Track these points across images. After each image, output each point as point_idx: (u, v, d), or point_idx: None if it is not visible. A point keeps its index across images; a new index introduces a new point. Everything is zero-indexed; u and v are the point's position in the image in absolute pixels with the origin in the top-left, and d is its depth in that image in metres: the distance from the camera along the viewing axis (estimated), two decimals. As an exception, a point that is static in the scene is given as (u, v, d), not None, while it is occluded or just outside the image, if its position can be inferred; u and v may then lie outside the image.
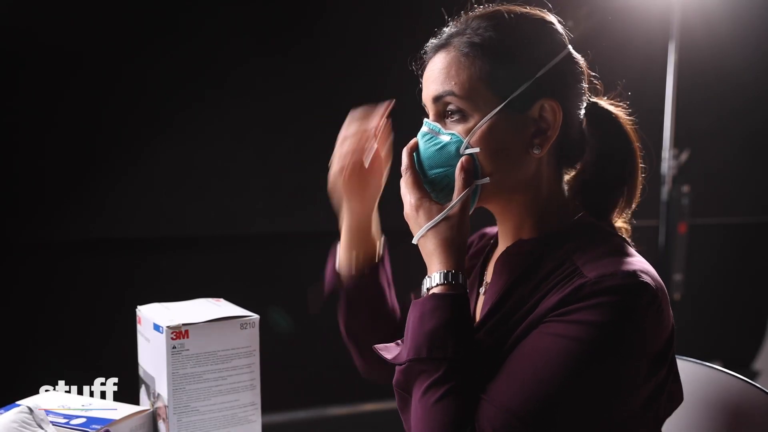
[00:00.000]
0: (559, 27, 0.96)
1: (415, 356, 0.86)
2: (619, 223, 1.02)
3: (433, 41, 0.97)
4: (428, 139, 0.95)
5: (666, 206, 2.86)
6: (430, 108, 0.96)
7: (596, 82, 1.01)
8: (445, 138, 0.93)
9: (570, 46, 0.96)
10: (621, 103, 1.02)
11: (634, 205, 1.01)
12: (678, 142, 2.83)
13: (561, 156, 0.97)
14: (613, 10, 2.78)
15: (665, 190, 2.85)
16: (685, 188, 2.86)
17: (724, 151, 3.20)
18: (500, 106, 0.90)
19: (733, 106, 3.16)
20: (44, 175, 2.40)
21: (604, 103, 1.01)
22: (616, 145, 0.99)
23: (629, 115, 1.01)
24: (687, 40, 2.79)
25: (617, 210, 1.01)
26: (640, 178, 1.00)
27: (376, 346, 0.97)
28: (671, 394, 0.92)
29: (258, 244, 2.71)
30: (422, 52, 0.99)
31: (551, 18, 0.97)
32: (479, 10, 0.97)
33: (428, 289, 0.90)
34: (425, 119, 0.97)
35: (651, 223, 2.95)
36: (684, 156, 2.85)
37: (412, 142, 0.97)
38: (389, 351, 0.96)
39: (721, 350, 3.32)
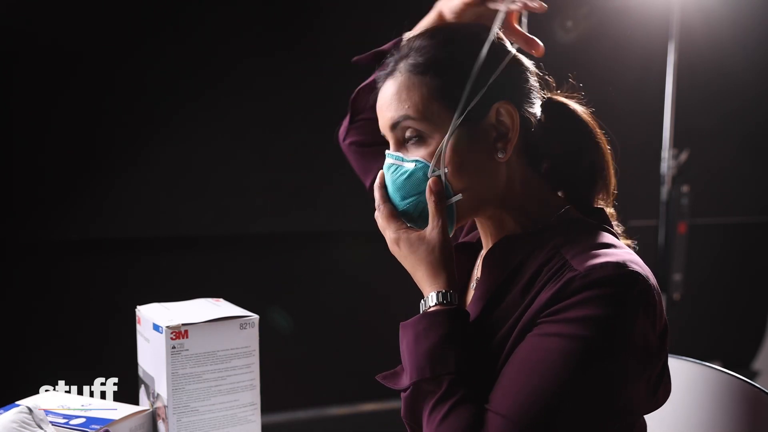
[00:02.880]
0: (498, 33, 0.94)
1: (419, 377, 0.86)
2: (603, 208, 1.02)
3: (380, 72, 0.96)
4: (394, 170, 0.94)
5: (665, 206, 2.86)
6: (389, 137, 0.95)
7: (549, 78, 1.01)
8: (409, 165, 0.92)
9: (513, 49, 0.95)
10: (575, 95, 1.02)
11: (612, 189, 1.01)
12: (677, 142, 2.83)
13: (528, 154, 0.96)
14: (613, 10, 2.78)
15: (665, 190, 2.85)
16: (685, 188, 2.86)
17: (724, 151, 3.20)
18: (458, 122, 0.89)
19: (733, 106, 3.16)
20: (43, 174, 2.40)
21: (559, 97, 1.01)
22: (578, 135, 0.99)
23: (585, 107, 1.01)
24: (686, 40, 2.79)
25: (598, 197, 1.01)
26: (610, 163, 1.00)
27: (378, 376, 0.96)
28: (666, 387, 0.92)
29: (258, 244, 2.71)
30: (373, 85, 0.98)
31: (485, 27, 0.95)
32: (417, 32, 0.97)
33: (422, 312, 0.90)
34: (386, 151, 0.96)
35: (650, 223, 2.95)
36: (683, 156, 2.84)
37: (379, 176, 0.96)
38: (391, 379, 0.94)
39: (721, 350, 3.32)
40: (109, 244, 2.51)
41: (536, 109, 0.96)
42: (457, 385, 0.84)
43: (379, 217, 0.95)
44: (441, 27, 0.95)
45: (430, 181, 0.91)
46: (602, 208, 1.00)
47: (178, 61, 2.47)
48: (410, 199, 0.93)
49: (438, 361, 0.85)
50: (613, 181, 1.01)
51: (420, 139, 0.91)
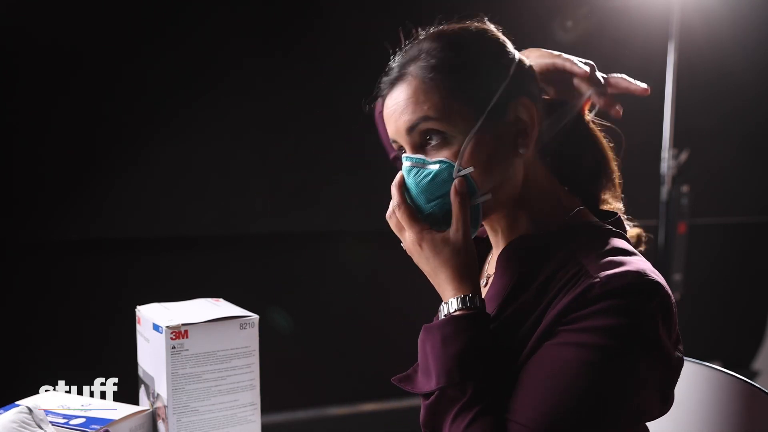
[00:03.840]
0: (499, 34, 0.96)
1: (447, 382, 0.84)
2: (613, 203, 1.02)
3: (384, 79, 0.94)
4: (416, 173, 0.91)
5: (665, 206, 2.86)
6: (404, 141, 0.92)
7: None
8: (433, 167, 0.90)
9: (515, 51, 0.95)
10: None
11: (617, 181, 1.01)
12: (677, 142, 2.83)
13: (541, 151, 0.96)
14: (613, 10, 2.78)
15: (665, 190, 2.85)
16: (685, 188, 2.86)
17: (724, 151, 3.20)
18: (482, 119, 0.89)
19: (733, 106, 3.16)
20: (43, 174, 2.40)
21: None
22: (577, 132, 0.99)
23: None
24: (686, 40, 2.79)
25: (605, 192, 1.01)
26: (610, 155, 1.00)
27: (393, 379, 0.94)
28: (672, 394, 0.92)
29: (258, 244, 2.71)
30: (375, 91, 0.96)
31: (489, 26, 0.96)
32: (422, 35, 0.95)
33: (446, 315, 0.88)
34: (404, 155, 0.93)
35: (650, 223, 2.95)
36: (683, 156, 2.85)
37: (399, 177, 0.93)
38: (408, 382, 0.92)
39: (721, 350, 3.32)
40: (110, 244, 2.51)
41: (545, 104, 0.96)
42: (481, 393, 0.83)
43: (399, 216, 0.92)
44: (443, 30, 0.94)
45: (455, 182, 0.89)
46: (615, 212, 1.00)
47: (179, 62, 2.47)
48: (436, 201, 0.91)
49: (467, 367, 0.84)
50: (616, 173, 1.01)
51: (442, 140, 0.90)
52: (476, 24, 0.96)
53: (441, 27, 0.96)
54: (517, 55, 0.95)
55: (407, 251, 0.93)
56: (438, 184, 0.90)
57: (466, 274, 0.89)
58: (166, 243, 2.58)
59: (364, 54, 2.61)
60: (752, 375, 3.34)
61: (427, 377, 0.87)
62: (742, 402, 1.10)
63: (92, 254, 2.49)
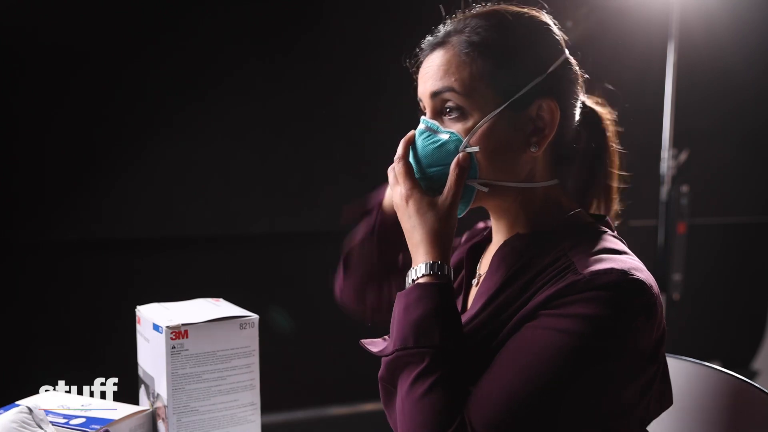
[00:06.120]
0: (555, 28, 0.97)
1: (401, 346, 0.86)
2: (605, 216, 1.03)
3: (429, 39, 0.97)
4: (426, 137, 0.94)
5: (665, 206, 2.86)
6: (427, 104, 0.96)
7: (586, 78, 1.01)
8: (443, 136, 0.93)
9: (566, 50, 0.97)
10: (605, 103, 1.03)
11: (613, 204, 1.03)
12: (677, 142, 2.83)
13: (555, 154, 0.97)
14: (613, 10, 2.78)
15: (664, 190, 2.85)
16: (684, 188, 2.86)
17: (724, 151, 3.20)
18: (502, 107, 0.90)
19: (732, 106, 3.16)
20: (45, 174, 2.40)
21: (591, 102, 1.02)
22: (595, 144, 1.01)
23: (621, 114, 1.02)
24: (686, 40, 2.79)
25: (592, 203, 1.03)
26: (615, 177, 1.02)
27: (362, 341, 0.97)
28: (662, 396, 0.92)
29: (258, 244, 2.71)
30: (417, 49, 0.99)
31: (547, 19, 0.98)
32: (477, 9, 0.97)
33: (413, 281, 0.90)
34: (422, 117, 0.96)
35: (650, 223, 2.95)
36: (683, 156, 2.85)
37: (410, 134, 0.97)
38: (375, 345, 0.95)
39: (721, 350, 3.32)
40: (110, 245, 2.51)
41: (576, 113, 0.98)
42: (441, 361, 0.84)
43: (395, 172, 0.95)
44: (500, 9, 0.95)
45: (459, 155, 0.91)
46: (604, 216, 1.01)
47: (180, 62, 2.47)
48: (436, 168, 0.93)
49: (423, 333, 0.85)
50: (614, 199, 1.02)
51: (460, 114, 0.92)
52: (534, 13, 0.97)
53: (498, 5, 0.97)
54: (567, 54, 0.96)
55: (394, 206, 0.95)
56: (443, 153, 0.93)
57: (440, 241, 0.91)
58: (167, 243, 2.58)
59: (364, 54, 2.63)
60: (752, 375, 3.34)
61: (390, 341, 0.90)
62: (742, 402, 1.11)
63: (92, 254, 2.49)
